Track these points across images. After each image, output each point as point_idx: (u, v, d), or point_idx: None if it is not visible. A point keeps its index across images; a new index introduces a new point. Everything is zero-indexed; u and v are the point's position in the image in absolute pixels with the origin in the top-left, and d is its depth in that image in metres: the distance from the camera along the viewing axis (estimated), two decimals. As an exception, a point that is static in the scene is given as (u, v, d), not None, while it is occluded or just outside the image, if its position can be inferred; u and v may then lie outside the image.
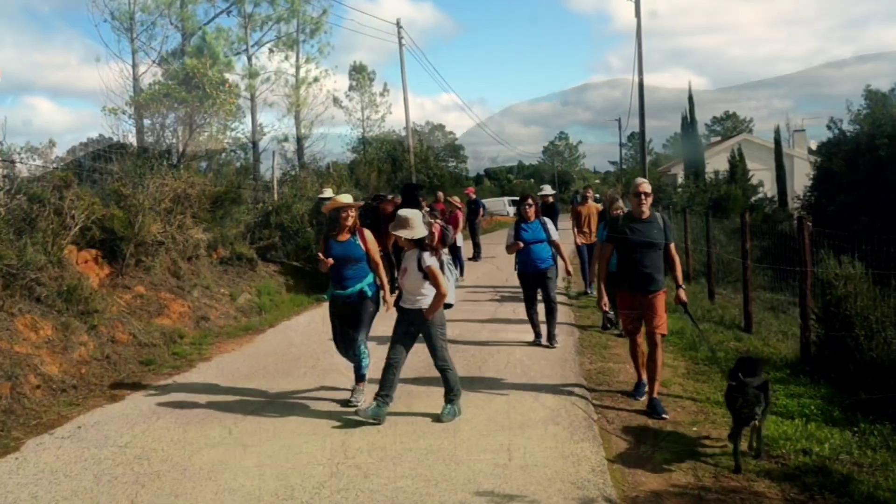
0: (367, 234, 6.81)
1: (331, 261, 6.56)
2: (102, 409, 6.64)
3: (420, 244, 6.04)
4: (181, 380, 7.69)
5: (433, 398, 6.76)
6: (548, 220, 8.94)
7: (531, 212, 8.90)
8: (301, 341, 9.64)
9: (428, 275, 5.98)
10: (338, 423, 6.07)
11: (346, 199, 6.83)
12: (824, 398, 6.44)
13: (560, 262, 9.23)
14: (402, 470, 5.00)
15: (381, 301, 6.79)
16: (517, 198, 12.30)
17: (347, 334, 6.74)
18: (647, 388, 6.52)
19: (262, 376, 7.77)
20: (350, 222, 6.68)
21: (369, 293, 6.67)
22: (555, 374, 7.54)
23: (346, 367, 8.06)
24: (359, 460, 5.20)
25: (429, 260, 5.98)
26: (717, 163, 39.04)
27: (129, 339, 8.81)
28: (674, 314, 10.86)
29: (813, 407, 6.18)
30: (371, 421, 5.92)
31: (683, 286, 6.58)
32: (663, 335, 6.41)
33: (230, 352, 9.09)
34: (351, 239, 6.68)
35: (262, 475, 4.98)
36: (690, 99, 35.87)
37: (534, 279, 8.87)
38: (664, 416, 6.12)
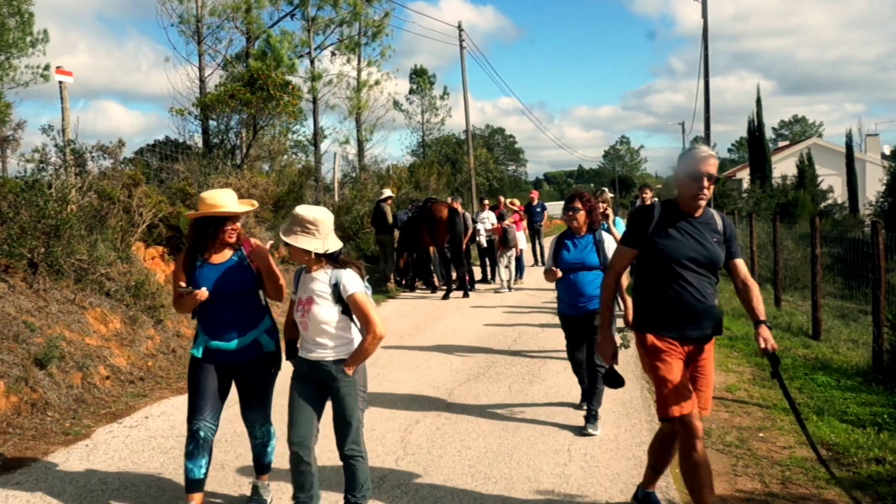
0: (256, 243, 4.30)
1: (204, 292, 4.10)
2: (168, 401, 6.79)
3: (335, 261, 3.92)
4: (244, 374, 7.80)
5: (492, 396, 6.74)
6: (606, 236, 5.91)
7: (580, 220, 5.85)
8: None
9: (352, 308, 3.86)
10: (397, 420, 6.09)
11: (228, 201, 4.14)
12: (898, 407, 6.21)
13: (626, 298, 5.48)
14: (461, 468, 4.99)
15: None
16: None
17: (218, 406, 4.27)
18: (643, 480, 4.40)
19: (322, 373, 7.83)
20: (233, 239, 4.21)
21: (270, 346, 4.32)
22: (616, 377, 7.43)
23: (410, 363, 8.12)
24: (418, 457, 5.21)
25: (354, 285, 3.84)
26: (784, 167, 38.15)
27: (193, 333, 8.98)
28: (738, 319, 10.65)
29: (885, 415, 5.96)
30: None
31: (768, 323, 3.83)
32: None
33: (291, 348, 9.19)
34: (234, 258, 4.24)
35: (321, 468, 5.01)
36: (758, 102, 35.01)
37: (577, 325, 5.88)
38: None
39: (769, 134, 49.05)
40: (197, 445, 4.12)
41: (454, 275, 14.03)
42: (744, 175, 40.37)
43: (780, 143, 61.60)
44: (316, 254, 3.83)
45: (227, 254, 4.24)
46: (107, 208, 9.23)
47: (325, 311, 3.84)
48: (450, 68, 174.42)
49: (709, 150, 3.78)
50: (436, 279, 14.96)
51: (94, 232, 8.70)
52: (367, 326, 3.84)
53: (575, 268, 5.80)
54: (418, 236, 14.17)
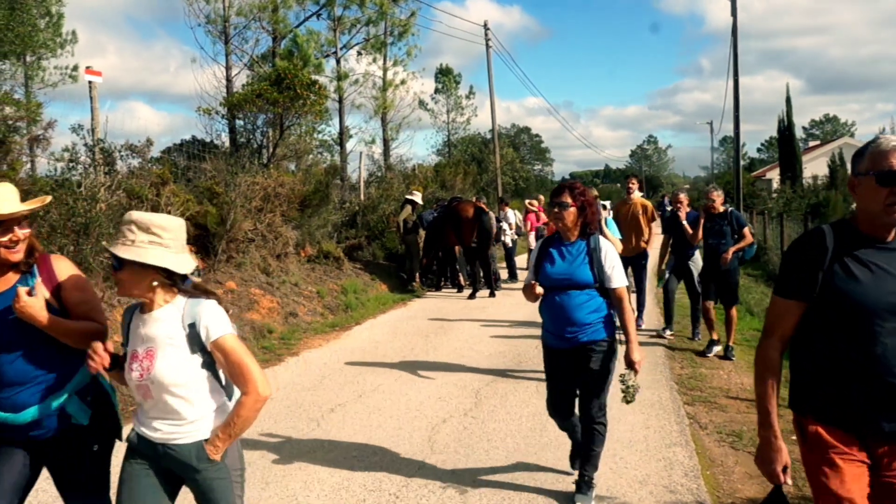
0: (63, 265, 2.94)
1: None
2: (195, 399, 6.81)
3: (191, 290, 2.69)
4: (270, 373, 7.82)
5: (519, 396, 6.68)
6: (604, 243, 4.32)
7: (568, 219, 4.30)
8: (387, 340, 9.69)
9: (220, 358, 2.61)
10: (424, 419, 6.06)
11: (6, 198, 2.74)
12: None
13: (630, 328, 4.20)
14: (488, 467, 4.95)
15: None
16: (604, 202, 11.78)
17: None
18: None
19: (348, 372, 7.83)
20: (19, 256, 2.81)
21: (82, 416, 2.90)
22: (645, 379, 7.33)
23: (436, 363, 8.09)
24: (445, 456, 5.18)
25: (220, 324, 2.61)
26: (815, 167, 37.66)
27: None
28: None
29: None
30: None
31: None
32: None
33: (318, 347, 9.21)
34: (17, 286, 2.80)
35: (350, 467, 5.00)
36: (788, 101, 34.57)
37: (565, 362, 4.37)
38: None
39: (799, 133, 48.49)
40: None
41: (480, 274, 13.98)
42: (774, 175, 39.92)
43: (811, 143, 60.80)
44: (168, 278, 2.60)
45: (10, 279, 2.83)
46: (135, 207, 9.29)
47: (178, 367, 2.56)
48: (476, 68, 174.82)
49: None
50: (461, 279, 14.93)
51: (122, 230, 8.74)
52: (243, 384, 2.58)
53: (561, 285, 4.27)
54: (444, 236, 14.13)
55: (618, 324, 4.29)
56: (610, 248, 4.31)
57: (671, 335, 9.31)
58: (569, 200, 4.29)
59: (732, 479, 4.82)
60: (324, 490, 4.61)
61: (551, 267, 4.33)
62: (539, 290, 4.31)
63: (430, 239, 14.53)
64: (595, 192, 7.06)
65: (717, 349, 8.36)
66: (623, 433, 5.61)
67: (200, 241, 10.58)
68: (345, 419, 6.10)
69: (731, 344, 8.20)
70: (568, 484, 4.62)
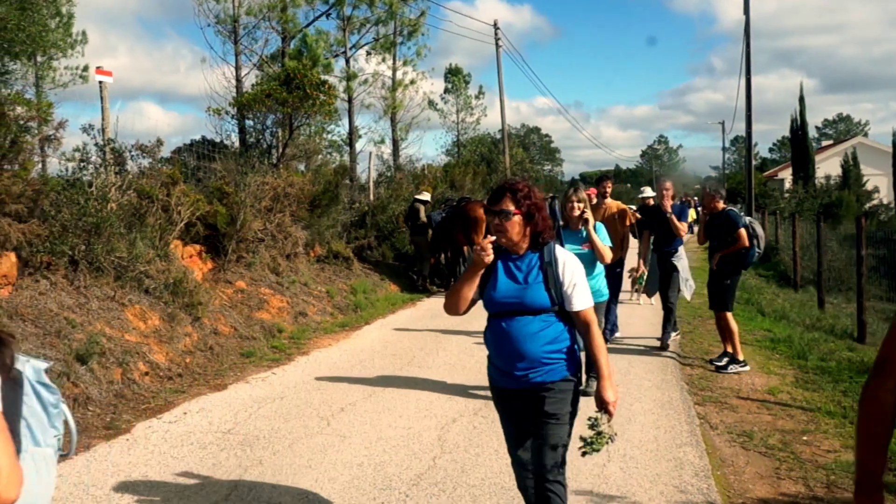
0: None
1: None
2: (206, 398, 6.83)
3: None
4: (280, 372, 7.84)
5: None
6: (563, 255, 3.39)
7: (512, 230, 3.32)
8: (396, 339, 9.70)
9: None
10: (434, 419, 6.06)
11: None
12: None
13: (601, 361, 3.30)
14: (498, 466, 4.94)
15: None
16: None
17: None
18: None
19: (358, 372, 7.84)
20: None
21: None
22: (656, 379, 7.33)
23: (445, 362, 8.09)
24: (456, 455, 5.17)
25: None
26: (828, 167, 37.50)
27: (230, 331, 9.06)
28: (780, 321, 10.46)
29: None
30: None
31: None
32: None
33: (327, 347, 9.22)
34: None
35: (360, 465, 5.00)
36: (801, 100, 34.42)
37: (517, 405, 3.45)
38: None
39: (812, 133, 48.19)
40: None
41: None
42: (786, 175, 39.79)
43: (824, 143, 60.58)
44: None
45: None
46: (146, 207, 9.32)
47: None
48: (485, 67, 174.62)
49: None
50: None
51: (133, 230, 8.78)
52: None
53: (509, 310, 3.35)
54: (453, 236, 14.13)
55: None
56: (570, 260, 3.38)
57: (676, 335, 9.14)
58: (511, 207, 3.28)
59: (743, 479, 4.81)
60: (335, 488, 4.61)
61: (497, 288, 3.37)
62: (487, 247, 3.25)
63: (436, 238, 14.53)
64: (583, 195, 6.51)
65: (726, 362, 7.75)
66: (633, 433, 5.61)
67: (210, 240, 10.61)
68: (355, 418, 6.11)
69: (731, 351, 7.70)
70: (580, 483, 4.61)
